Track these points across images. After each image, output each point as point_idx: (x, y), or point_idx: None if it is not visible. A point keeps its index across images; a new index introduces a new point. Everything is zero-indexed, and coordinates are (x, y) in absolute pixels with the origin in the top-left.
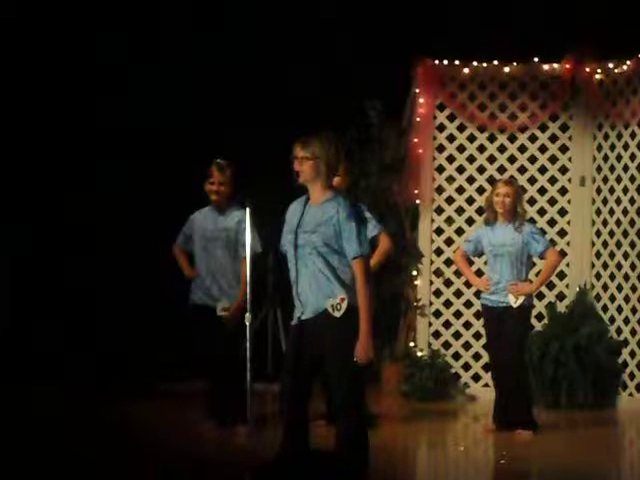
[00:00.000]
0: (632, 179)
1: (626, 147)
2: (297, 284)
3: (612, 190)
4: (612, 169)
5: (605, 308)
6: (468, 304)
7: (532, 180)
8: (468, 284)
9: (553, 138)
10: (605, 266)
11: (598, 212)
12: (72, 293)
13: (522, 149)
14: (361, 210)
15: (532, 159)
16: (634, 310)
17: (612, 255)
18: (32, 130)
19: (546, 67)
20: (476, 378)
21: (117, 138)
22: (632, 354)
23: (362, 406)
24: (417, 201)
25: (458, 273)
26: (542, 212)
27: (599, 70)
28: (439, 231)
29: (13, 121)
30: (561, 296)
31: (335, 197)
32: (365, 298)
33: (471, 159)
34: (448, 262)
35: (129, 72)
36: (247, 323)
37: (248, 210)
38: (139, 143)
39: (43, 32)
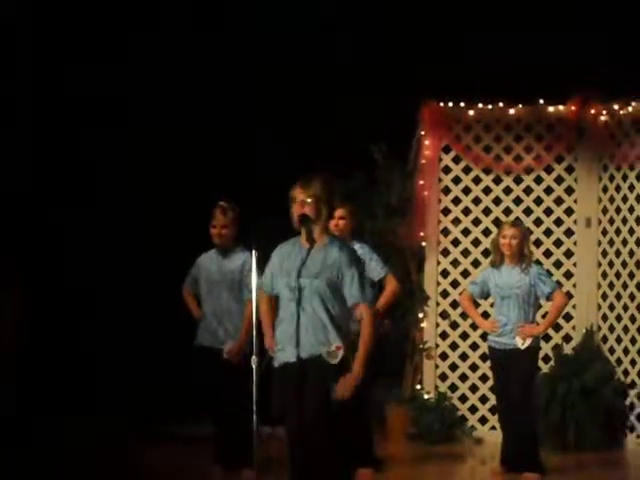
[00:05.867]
0: (638, 220)
1: (632, 188)
2: (291, 325)
3: (618, 231)
4: (618, 210)
5: (612, 350)
6: (474, 346)
7: (538, 222)
8: (474, 326)
9: (559, 180)
10: (612, 308)
11: (604, 254)
12: (82, 337)
13: (528, 191)
14: (362, 254)
15: (538, 201)
16: None
17: (619, 297)
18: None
19: (551, 109)
20: (483, 421)
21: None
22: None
23: (345, 456)
24: (423, 243)
25: (464, 315)
26: (548, 254)
27: (604, 111)
28: (445, 273)
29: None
30: (567, 338)
31: (334, 240)
32: (367, 340)
33: (477, 201)
34: (454, 304)
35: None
36: (253, 366)
37: (254, 252)
38: (142, 187)
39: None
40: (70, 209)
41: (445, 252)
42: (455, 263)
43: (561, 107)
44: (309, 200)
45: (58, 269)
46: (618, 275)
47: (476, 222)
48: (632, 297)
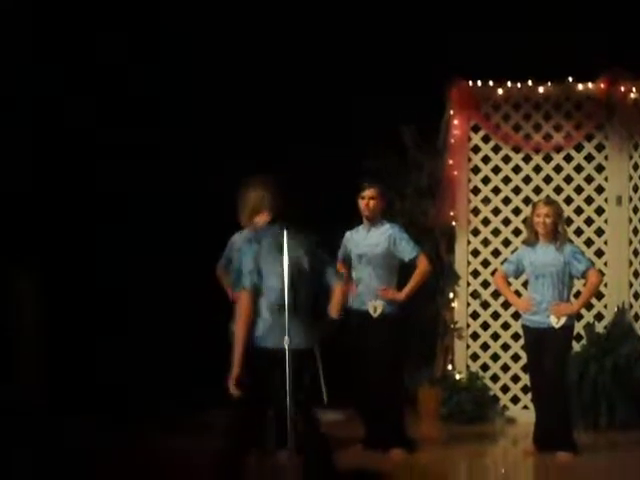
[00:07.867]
0: None
1: None
2: None
3: None
4: None
5: None
6: (506, 326)
7: (568, 200)
8: (505, 306)
9: (589, 158)
10: None
11: (635, 231)
12: (108, 324)
13: (557, 169)
14: (392, 234)
15: (568, 179)
16: None
17: None
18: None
19: (581, 87)
20: (515, 400)
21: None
22: None
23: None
24: (453, 223)
25: (495, 295)
26: (579, 232)
27: (634, 89)
28: (475, 253)
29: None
30: (599, 316)
31: None
32: None
33: (506, 180)
34: (485, 284)
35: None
36: (286, 346)
37: (286, 233)
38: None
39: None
40: (94, 197)
41: (475, 232)
42: (485, 242)
43: (590, 85)
44: None
45: (86, 252)
46: None
47: (506, 201)
48: None
